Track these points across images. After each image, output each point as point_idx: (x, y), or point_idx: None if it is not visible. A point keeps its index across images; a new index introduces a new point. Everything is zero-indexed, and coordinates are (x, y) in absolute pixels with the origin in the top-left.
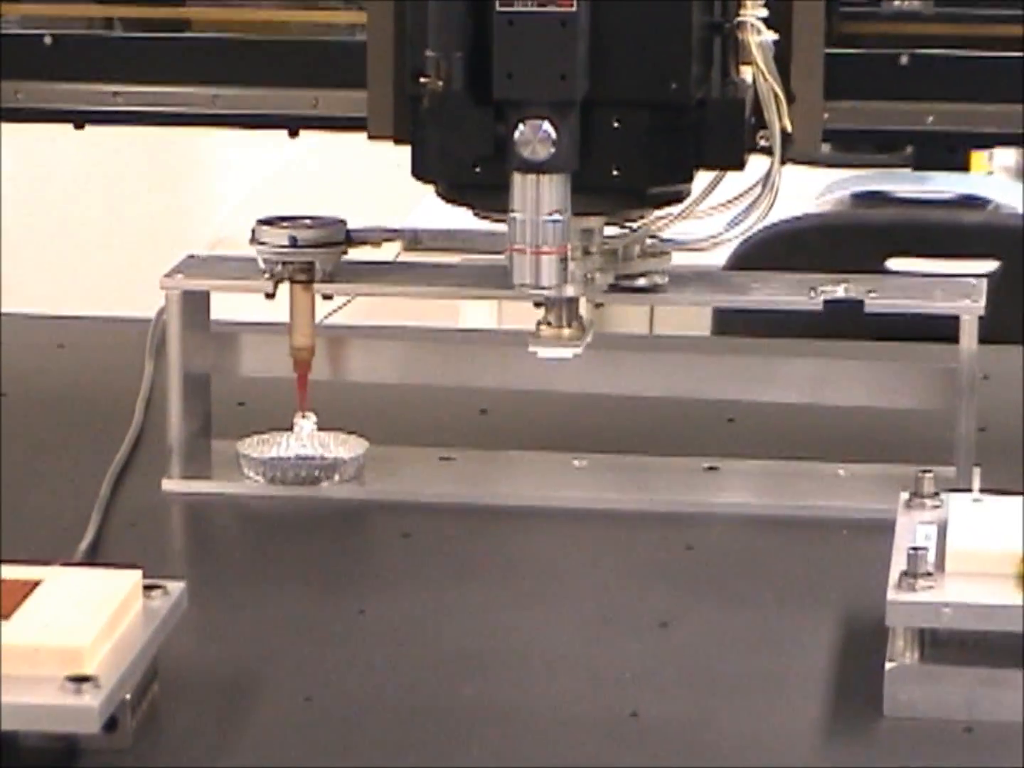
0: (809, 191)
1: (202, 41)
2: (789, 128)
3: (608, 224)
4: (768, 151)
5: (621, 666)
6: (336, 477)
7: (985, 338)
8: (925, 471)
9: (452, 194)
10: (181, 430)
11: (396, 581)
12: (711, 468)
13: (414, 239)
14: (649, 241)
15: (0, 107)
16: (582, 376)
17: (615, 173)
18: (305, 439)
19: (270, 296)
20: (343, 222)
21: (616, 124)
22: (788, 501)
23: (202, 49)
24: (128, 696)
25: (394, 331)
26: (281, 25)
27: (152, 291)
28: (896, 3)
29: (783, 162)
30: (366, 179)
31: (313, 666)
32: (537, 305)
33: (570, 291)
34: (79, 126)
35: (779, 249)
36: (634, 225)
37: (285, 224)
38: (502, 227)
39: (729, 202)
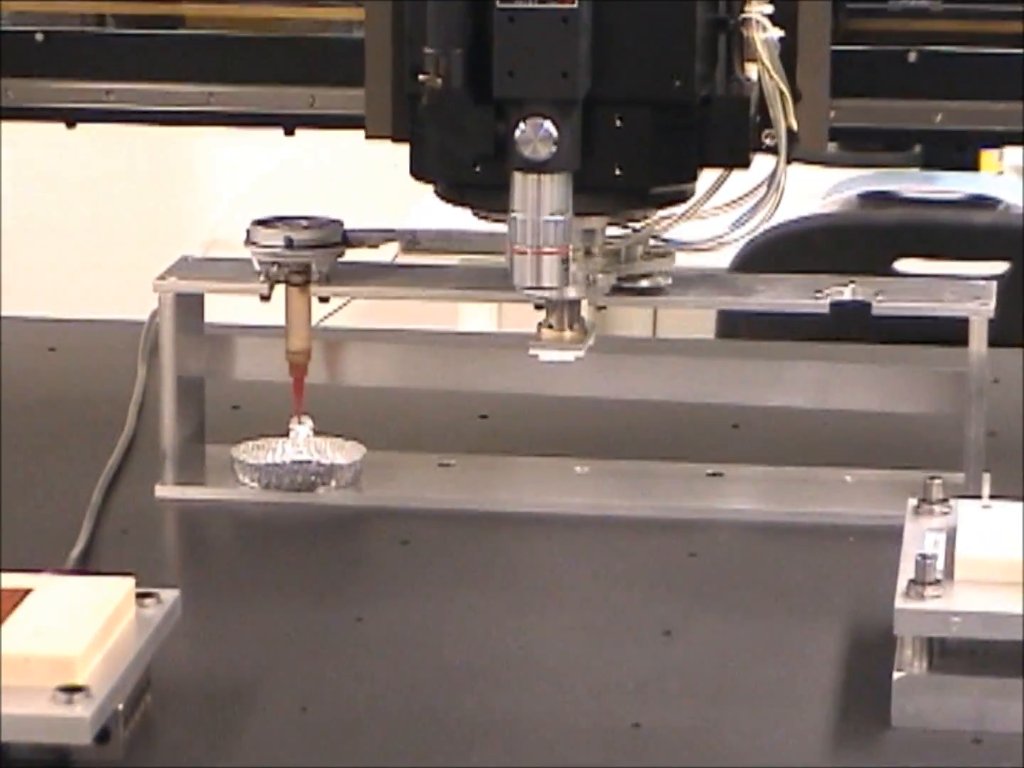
0: (815, 191)
1: (196, 38)
2: (795, 126)
3: (610, 224)
4: (773, 150)
5: (623, 675)
6: (333, 483)
7: (995, 341)
8: (934, 477)
9: (451, 194)
10: (175, 435)
11: (394, 589)
12: (715, 474)
13: (412, 240)
14: (652, 242)
15: None
16: (584, 380)
17: (617, 172)
18: (301, 444)
19: (265, 298)
20: (340, 223)
21: (619, 122)
22: (793, 508)
23: (196, 46)
24: (120, 707)
25: (392, 334)
26: (277, 22)
27: (145, 293)
28: None
29: (789, 161)
30: (363, 179)
31: (309, 676)
32: (538, 307)
33: (572, 293)
34: (71, 125)
35: (785, 250)
36: (637, 225)
37: (281, 225)
38: (502, 228)
39: (734, 202)
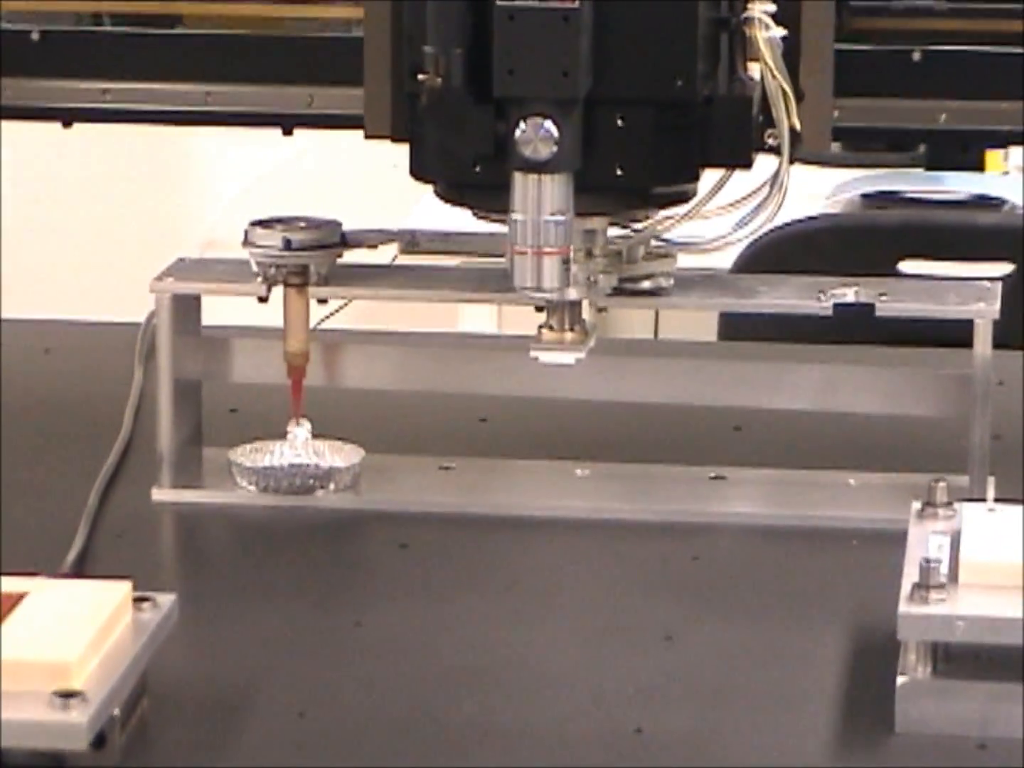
0: (818, 191)
1: (194, 37)
2: (798, 126)
3: (612, 225)
4: (776, 150)
5: (625, 681)
6: (331, 486)
7: (1000, 343)
8: (938, 480)
9: (451, 194)
10: (171, 438)
11: (393, 593)
12: (717, 477)
13: (412, 241)
14: (654, 243)
15: None
16: (585, 382)
17: (619, 172)
18: (299, 447)
19: (263, 300)
20: (338, 223)
21: (620, 122)
22: (796, 511)
23: (194, 45)
24: (117, 712)
25: (391, 336)
26: (275, 20)
27: (142, 295)
28: None
29: (792, 161)
30: (362, 179)
31: (307, 681)
32: (538, 309)
33: (573, 294)
34: (67, 124)
35: (787, 251)
36: (638, 226)
37: (279, 226)
38: (502, 228)
39: (736, 203)
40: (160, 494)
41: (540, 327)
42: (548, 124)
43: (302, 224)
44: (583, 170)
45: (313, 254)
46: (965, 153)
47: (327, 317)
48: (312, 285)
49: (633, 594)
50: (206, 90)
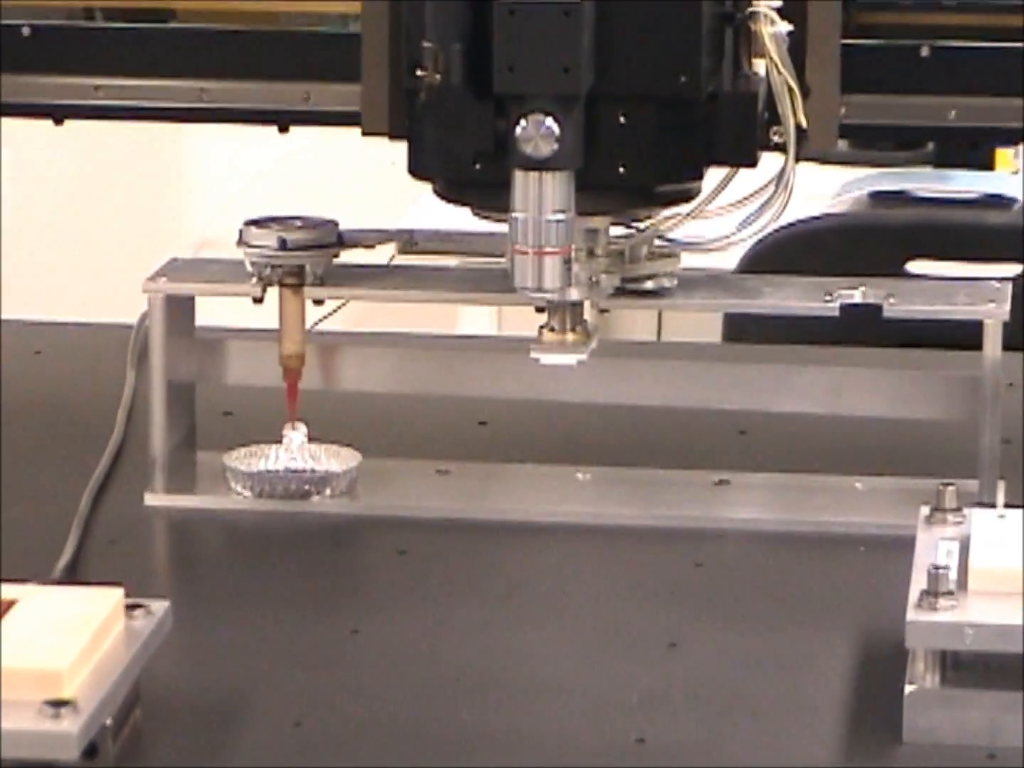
0: (825, 190)
1: (188, 32)
2: (804, 123)
3: (614, 224)
4: (782, 148)
5: (627, 689)
6: (328, 491)
7: (1010, 344)
8: (947, 484)
9: (450, 192)
10: (164, 442)
11: (391, 600)
12: (722, 482)
13: (410, 241)
14: (657, 242)
15: None
16: (586, 384)
17: (621, 170)
18: (295, 451)
19: (258, 301)
20: (335, 223)
21: (622, 119)
22: (802, 516)
23: (188, 41)
24: (109, 721)
25: (388, 338)
26: (270, 15)
27: (134, 295)
28: None
29: (797, 159)
30: (359, 177)
31: (303, 689)
32: (539, 310)
33: (574, 294)
34: (58, 121)
35: (793, 251)
36: (641, 225)
37: (274, 225)
38: (503, 227)
39: (741, 201)
40: (153, 499)
41: (541, 328)
42: (549, 121)
43: (298, 223)
44: (585, 168)
45: (309, 254)
46: (975, 151)
47: (323, 318)
48: (308, 286)
49: (636, 601)
50: (200, 86)
